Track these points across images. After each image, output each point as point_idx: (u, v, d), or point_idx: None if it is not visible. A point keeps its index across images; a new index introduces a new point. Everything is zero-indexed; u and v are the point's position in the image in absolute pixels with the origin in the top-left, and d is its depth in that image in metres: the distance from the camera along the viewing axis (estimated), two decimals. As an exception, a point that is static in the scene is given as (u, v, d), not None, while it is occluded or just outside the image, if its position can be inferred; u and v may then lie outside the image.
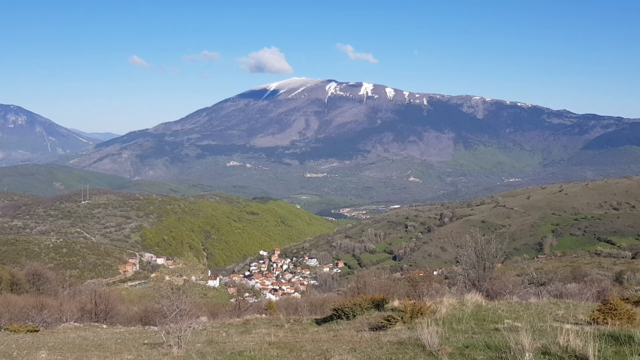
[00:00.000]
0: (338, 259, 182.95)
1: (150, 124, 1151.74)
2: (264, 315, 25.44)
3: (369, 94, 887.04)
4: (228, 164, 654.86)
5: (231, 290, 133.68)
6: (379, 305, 20.81)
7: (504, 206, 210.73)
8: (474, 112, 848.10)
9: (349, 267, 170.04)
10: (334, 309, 21.12)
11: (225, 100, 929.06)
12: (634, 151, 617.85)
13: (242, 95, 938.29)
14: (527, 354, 8.47)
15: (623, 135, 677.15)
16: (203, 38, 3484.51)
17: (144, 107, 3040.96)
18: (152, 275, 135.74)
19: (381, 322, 16.71)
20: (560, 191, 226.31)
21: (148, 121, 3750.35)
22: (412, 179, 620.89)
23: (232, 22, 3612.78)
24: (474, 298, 20.02)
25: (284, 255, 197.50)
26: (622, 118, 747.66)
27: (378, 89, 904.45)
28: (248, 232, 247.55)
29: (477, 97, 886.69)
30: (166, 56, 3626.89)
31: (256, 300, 60.17)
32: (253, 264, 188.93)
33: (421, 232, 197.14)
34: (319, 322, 21.27)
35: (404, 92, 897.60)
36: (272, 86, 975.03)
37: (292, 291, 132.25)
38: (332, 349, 11.22)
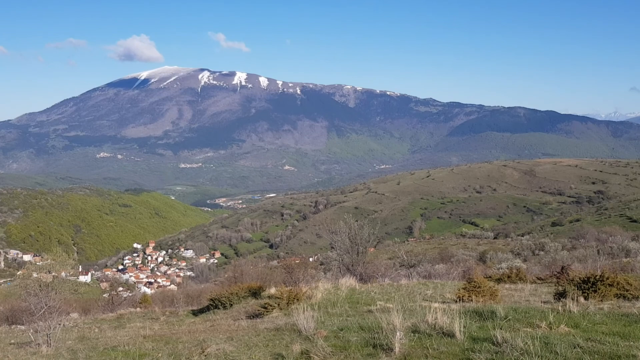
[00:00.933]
0: (215, 250, 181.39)
1: (13, 115, 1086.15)
2: (138, 309, 24.86)
3: (243, 83, 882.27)
4: (98, 156, 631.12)
5: (104, 285, 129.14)
6: (256, 293, 20.87)
7: (376, 192, 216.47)
8: (346, 101, 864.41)
9: (226, 257, 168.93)
10: (211, 299, 20.99)
11: (94, 90, 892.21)
12: (494, 137, 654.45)
13: (112, 85, 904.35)
14: (398, 333, 8.79)
15: (484, 122, 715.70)
16: (68, 25, 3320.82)
17: (5, 97, 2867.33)
18: (18, 273, 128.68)
19: (258, 310, 16.79)
20: (427, 177, 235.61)
21: (10, 112, 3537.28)
22: (287, 167, 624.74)
23: (98, 9, 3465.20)
24: (348, 282, 20.46)
25: (159, 247, 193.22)
26: (483, 106, 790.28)
27: (252, 78, 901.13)
28: (121, 225, 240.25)
29: (349, 87, 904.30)
30: (28, 43, 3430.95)
31: (130, 294, 58.59)
32: (127, 258, 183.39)
33: (297, 220, 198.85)
34: (195, 313, 21.08)
35: (278, 82, 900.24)
36: (143, 75, 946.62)
37: (168, 283, 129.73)
38: (209, 339, 11.16)
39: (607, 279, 15.18)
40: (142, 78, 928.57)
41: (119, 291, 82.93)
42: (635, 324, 9.77)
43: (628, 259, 35.86)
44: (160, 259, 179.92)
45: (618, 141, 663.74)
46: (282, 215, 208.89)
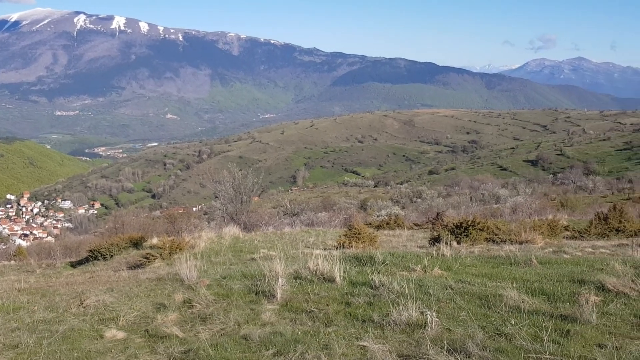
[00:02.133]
0: (94, 200, 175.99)
1: None
2: (12, 262, 23.85)
3: (122, 27, 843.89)
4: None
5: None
6: (137, 243, 20.55)
7: (260, 141, 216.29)
8: (230, 48, 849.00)
9: (106, 208, 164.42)
10: (90, 251, 20.46)
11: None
12: (376, 87, 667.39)
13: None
14: (280, 280, 8.96)
15: (366, 72, 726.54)
16: None
17: None
18: None
19: (140, 260, 16.57)
20: (311, 126, 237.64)
21: None
22: (169, 116, 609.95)
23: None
24: (232, 231, 20.54)
25: (34, 198, 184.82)
26: (366, 56, 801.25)
27: (131, 22, 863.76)
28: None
29: (232, 34, 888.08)
30: None
31: (4, 247, 56.11)
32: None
33: (180, 170, 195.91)
34: (74, 265, 20.50)
35: (159, 27, 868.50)
36: (14, 17, 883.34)
37: (45, 235, 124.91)
38: (88, 291, 10.93)
39: (478, 224, 16.03)
40: (13, 20, 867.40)
41: (-9, 244, 79.20)
42: (502, 266, 10.41)
43: (498, 205, 37.99)
44: (35, 210, 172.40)
45: (491, 93, 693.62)
46: (165, 165, 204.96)
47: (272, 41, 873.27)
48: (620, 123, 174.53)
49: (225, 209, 31.17)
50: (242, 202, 30.22)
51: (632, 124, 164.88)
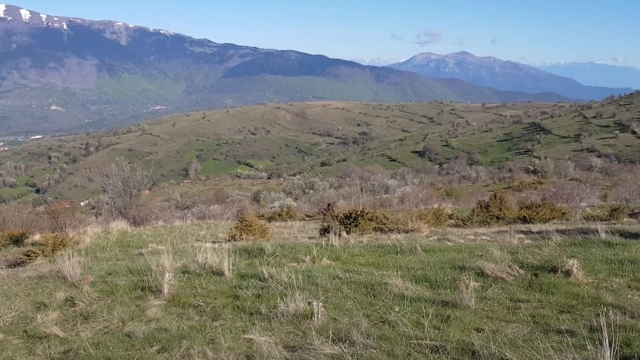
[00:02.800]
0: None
1: None
2: None
3: (2, 15, 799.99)
4: None
5: None
6: (18, 240, 19.67)
7: (151, 134, 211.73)
8: (117, 38, 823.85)
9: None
10: (-34, 250, 19.42)
11: None
12: (268, 79, 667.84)
13: None
14: (167, 274, 8.80)
15: (258, 64, 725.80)
16: None
17: None
18: None
19: (20, 258, 15.85)
20: (203, 118, 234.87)
21: None
22: (54, 107, 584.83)
23: None
24: (119, 226, 20.04)
25: None
26: (257, 48, 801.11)
27: (11, 10, 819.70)
28: None
29: (120, 23, 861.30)
30: None
31: None
32: None
33: (66, 163, 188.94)
34: (-52, 266, 19.41)
35: (41, 15, 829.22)
36: None
37: None
38: (-39, 293, 10.37)
39: (367, 214, 16.33)
40: None
41: None
42: (389, 255, 10.65)
43: (387, 195, 38.92)
44: None
45: (380, 85, 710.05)
46: (50, 158, 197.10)
47: (161, 31, 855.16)
48: (500, 115, 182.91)
49: (114, 203, 30.41)
50: (131, 196, 29.55)
51: (511, 115, 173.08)
